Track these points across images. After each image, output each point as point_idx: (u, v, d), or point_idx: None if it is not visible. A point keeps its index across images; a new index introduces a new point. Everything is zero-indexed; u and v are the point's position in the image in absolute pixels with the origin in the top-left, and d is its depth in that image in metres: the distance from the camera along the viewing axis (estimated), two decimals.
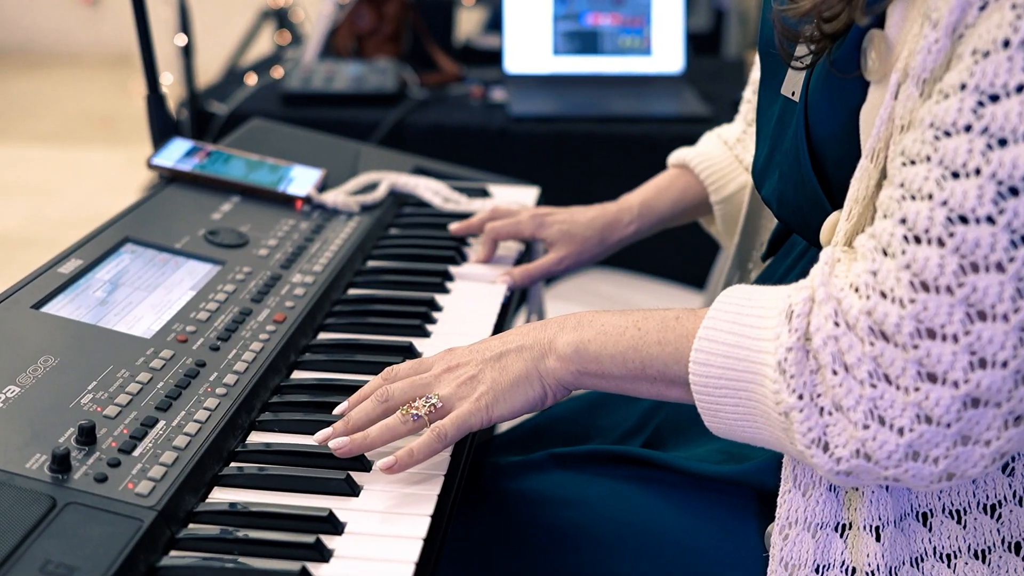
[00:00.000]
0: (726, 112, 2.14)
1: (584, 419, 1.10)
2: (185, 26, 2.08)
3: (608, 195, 2.03)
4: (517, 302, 1.29)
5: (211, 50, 3.44)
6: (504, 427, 1.08)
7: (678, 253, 1.93)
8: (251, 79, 2.18)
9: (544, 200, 1.47)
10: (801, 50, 0.81)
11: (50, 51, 6.21)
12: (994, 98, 0.61)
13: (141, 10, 1.33)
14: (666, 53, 2.25)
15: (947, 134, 0.63)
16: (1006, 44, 0.60)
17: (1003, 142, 0.60)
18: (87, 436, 0.75)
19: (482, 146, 2.01)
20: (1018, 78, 0.60)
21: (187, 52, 2.06)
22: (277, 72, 2.22)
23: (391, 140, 2.00)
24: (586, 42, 2.24)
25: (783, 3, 0.78)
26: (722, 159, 1.16)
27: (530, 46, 2.22)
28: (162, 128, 1.32)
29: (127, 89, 5.31)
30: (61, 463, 0.72)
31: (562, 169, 2.03)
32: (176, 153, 1.28)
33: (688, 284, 2.02)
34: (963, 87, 0.62)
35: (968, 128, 0.62)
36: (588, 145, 2.02)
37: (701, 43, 3.94)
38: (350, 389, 0.90)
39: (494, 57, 2.41)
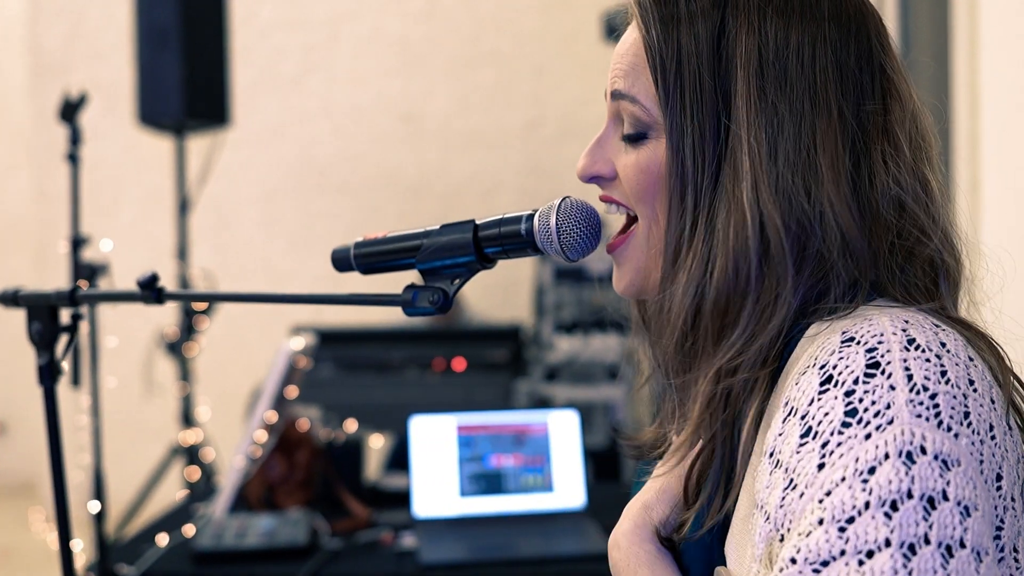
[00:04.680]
0: None
1: None
2: (99, 493, 2.13)
3: None
4: None
5: (119, 480, 3.44)
6: None
7: None
8: (162, 539, 2.20)
9: None
10: None
11: None
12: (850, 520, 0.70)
13: (63, 507, 1.38)
14: (567, 489, 2.36)
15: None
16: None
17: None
18: None
19: None
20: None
21: (99, 519, 2.09)
22: (188, 530, 2.25)
23: None
24: (491, 483, 2.35)
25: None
26: None
27: (437, 489, 2.31)
28: None
29: (27, 520, 5.21)
30: None
31: None
32: None
33: None
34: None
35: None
36: None
37: (601, 463, 4.08)
38: None
39: (402, 497, 2.49)
